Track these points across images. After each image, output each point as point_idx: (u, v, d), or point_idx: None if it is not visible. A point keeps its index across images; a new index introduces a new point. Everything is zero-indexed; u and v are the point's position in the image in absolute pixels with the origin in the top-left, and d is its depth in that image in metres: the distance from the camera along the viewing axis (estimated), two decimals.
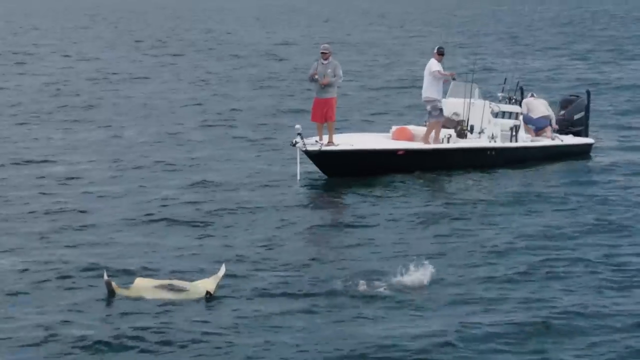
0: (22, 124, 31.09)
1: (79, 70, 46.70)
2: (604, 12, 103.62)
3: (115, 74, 45.41)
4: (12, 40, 66.26)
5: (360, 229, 18.51)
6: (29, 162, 24.78)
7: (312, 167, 22.90)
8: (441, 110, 23.93)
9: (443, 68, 24.09)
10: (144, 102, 36.27)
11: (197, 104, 35.90)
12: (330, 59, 23.06)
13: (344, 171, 22.57)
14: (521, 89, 27.38)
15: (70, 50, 57.72)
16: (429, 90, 24.01)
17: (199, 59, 53.72)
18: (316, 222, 19.24)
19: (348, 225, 18.91)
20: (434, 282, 14.97)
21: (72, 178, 22.90)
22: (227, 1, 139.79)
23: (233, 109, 34.43)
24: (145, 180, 22.88)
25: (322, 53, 23.13)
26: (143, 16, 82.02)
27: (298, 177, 22.22)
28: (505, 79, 27.96)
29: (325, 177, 22.77)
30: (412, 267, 15.08)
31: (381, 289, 14.63)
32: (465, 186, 22.45)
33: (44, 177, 23.08)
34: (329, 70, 22.85)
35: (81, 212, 19.64)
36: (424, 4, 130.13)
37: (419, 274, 14.94)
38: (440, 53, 24.19)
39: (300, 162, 22.25)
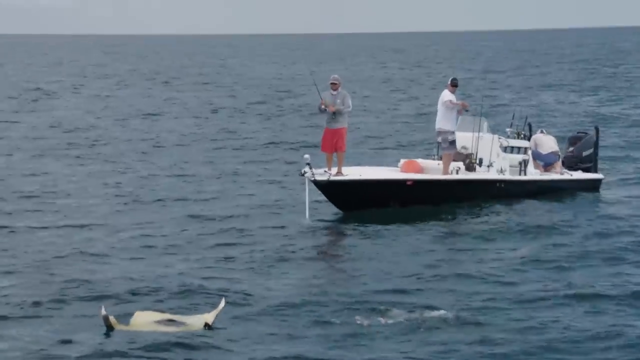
0: (34, 156, 31.23)
1: (92, 107, 46.86)
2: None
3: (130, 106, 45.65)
4: (28, 75, 66.59)
5: (364, 262, 18.20)
6: (34, 195, 24.63)
7: (322, 198, 22.59)
8: (452, 142, 23.64)
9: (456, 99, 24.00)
10: (155, 137, 36.46)
11: (206, 138, 36.08)
12: (340, 89, 22.91)
13: (352, 202, 22.31)
14: (529, 125, 27.25)
15: (86, 87, 58.01)
16: (442, 121, 23.77)
17: (210, 95, 54.15)
18: (321, 255, 19.01)
19: (352, 258, 18.65)
20: (436, 313, 14.59)
21: (79, 208, 22.82)
22: (241, 40, 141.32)
23: (243, 140, 34.49)
24: (151, 210, 22.72)
25: (331, 84, 22.95)
26: (160, 52, 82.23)
27: (307, 213, 21.63)
28: (514, 114, 27.90)
29: (335, 209, 22.48)
30: (415, 299, 15.01)
31: (381, 321, 14.31)
32: (475, 219, 22.19)
33: (51, 208, 23.05)
34: (338, 101, 22.70)
35: (87, 240, 19.45)
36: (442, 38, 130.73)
37: (421, 307, 14.74)
38: (454, 84, 24.01)
39: (308, 193, 21.86)
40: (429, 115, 27.12)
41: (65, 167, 29.57)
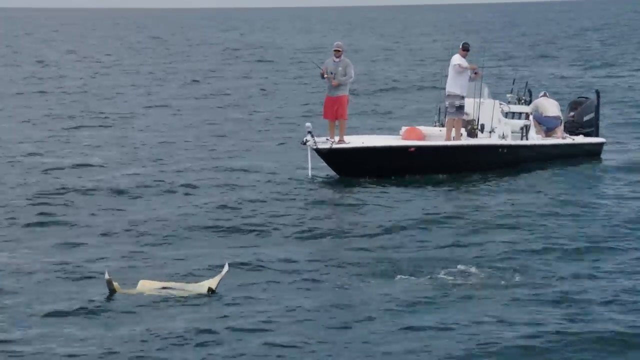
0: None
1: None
2: None
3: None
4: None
5: (369, 232, 17.54)
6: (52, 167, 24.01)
7: (324, 165, 22.16)
8: (459, 107, 22.77)
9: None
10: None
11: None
12: (343, 57, 22.30)
13: (355, 169, 21.78)
14: (529, 90, 26.74)
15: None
16: (451, 84, 22.95)
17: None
18: (325, 222, 18.33)
19: (355, 228, 17.95)
20: (441, 288, 14.08)
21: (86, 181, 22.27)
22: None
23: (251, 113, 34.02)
24: (155, 182, 22.13)
25: (335, 51, 22.38)
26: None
27: (309, 175, 21.61)
28: (514, 79, 27.47)
29: (337, 176, 22.02)
30: (418, 272, 14.55)
31: (382, 287, 14.01)
32: (477, 188, 21.56)
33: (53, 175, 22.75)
34: (340, 69, 22.10)
35: (92, 215, 18.85)
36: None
37: (425, 279, 14.37)
38: (465, 49, 23.16)
39: (311, 160, 21.57)
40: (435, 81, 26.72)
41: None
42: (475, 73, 23.26)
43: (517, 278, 14.43)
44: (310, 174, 21.61)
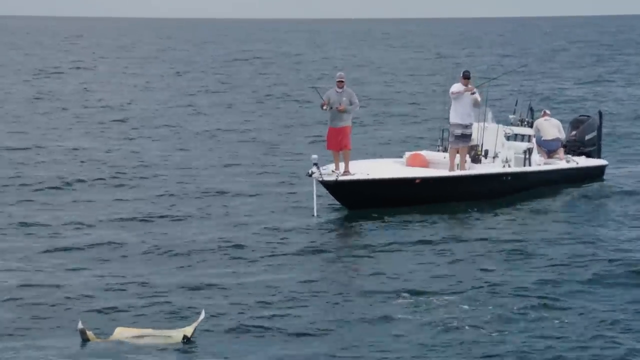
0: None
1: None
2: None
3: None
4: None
5: (372, 264, 17.21)
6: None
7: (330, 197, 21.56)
8: (458, 136, 22.19)
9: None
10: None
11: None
12: (345, 87, 21.62)
13: (361, 201, 21.13)
14: (531, 108, 26.21)
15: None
16: (451, 113, 22.48)
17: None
18: (328, 256, 17.88)
19: (358, 255, 17.76)
20: (443, 314, 14.09)
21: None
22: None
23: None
24: (150, 208, 21.83)
25: (338, 82, 21.60)
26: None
27: (315, 212, 20.71)
28: (517, 100, 26.90)
29: (344, 210, 21.37)
30: (419, 300, 14.63)
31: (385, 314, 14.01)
32: (482, 216, 21.05)
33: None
34: (345, 99, 21.41)
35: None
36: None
37: (425, 307, 14.45)
38: (465, 77, 22.55)
39: (316, 193, 20.80)
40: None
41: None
42: (472, 94, 22.48)
43: (519, 305, 14.34)
44: (315, 213, 20.72)
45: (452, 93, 22.38)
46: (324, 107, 21.62)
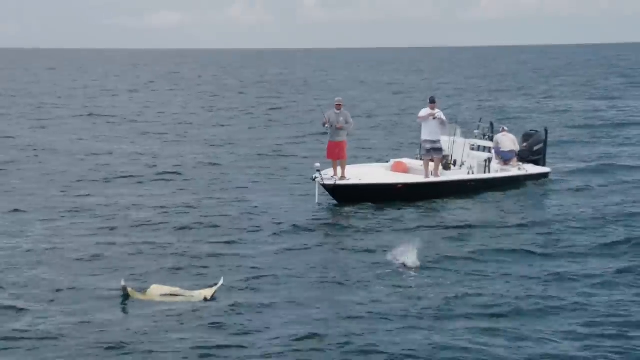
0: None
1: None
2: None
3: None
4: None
5: (362, 244, 18.90)
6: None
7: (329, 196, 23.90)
8: (428, 150, 24.89)
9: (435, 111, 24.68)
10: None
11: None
12: (342, 109, 24.63)
13: (354, 201, 23.59)
14: (491, 123, 28.89)
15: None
16: (422, 132, 25.23)
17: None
18: (327, 239, 19.68)
19: (352, 242, 19.24)
20: (425, 292, 15.01)
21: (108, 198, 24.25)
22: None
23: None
24: (173, 197, 24.19)
25: (337, 105, 24.46)
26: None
27: (317, 200, 23.12)
28: (480, 118, 29.95)
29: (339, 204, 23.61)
30: (404, 275, 15.65)
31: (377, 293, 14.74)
32: (452, 209, 23.21)
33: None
34: (342, 119, 24.28)
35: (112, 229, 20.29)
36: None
37: (410, 281, 15.37)
38: (431, 101, 25.15)
39: (318, 192, 23.45)
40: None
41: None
42: (434, 118, 25.05)
43: (476, 279, 15.66)
44: (317, 201, 23.18)
45: (419, 117, 25.12)
46: (325, 125, 24.66)
